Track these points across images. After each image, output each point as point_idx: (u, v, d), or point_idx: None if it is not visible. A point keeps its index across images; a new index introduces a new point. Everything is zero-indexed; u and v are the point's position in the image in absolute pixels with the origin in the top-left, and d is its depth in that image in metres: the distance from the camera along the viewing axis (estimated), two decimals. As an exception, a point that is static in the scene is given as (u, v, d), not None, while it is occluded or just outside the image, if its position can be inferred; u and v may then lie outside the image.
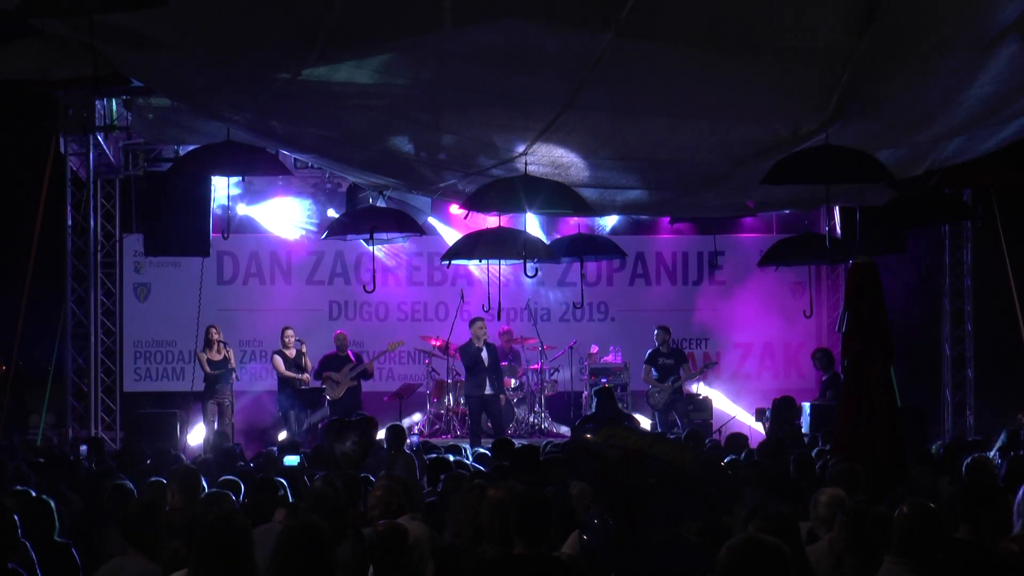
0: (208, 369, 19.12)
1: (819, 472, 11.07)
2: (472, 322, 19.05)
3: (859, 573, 6.71)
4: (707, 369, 20.51)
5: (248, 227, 21.46)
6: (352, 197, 18.81)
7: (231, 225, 16.92)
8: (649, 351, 20.35)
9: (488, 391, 18.74)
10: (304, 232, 21.72)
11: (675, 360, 20.12)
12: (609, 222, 21.09)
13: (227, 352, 19.31)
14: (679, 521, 6.87)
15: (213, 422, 18.95)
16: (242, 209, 20.96)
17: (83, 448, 15.58)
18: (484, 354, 18.87)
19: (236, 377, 19.55)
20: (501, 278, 16.91)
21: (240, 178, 16.75)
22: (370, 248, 17.64)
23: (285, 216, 21.60)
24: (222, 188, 17.50)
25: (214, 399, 19.12)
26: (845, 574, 6.86)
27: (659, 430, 18.72)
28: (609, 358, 20.70)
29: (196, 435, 19.42)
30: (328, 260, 22.01)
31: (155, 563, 7.35)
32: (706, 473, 7.05)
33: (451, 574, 7.42)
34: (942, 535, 6.45)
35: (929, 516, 6.37)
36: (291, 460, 12.66)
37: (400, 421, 18.99)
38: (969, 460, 11.05)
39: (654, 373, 20.02)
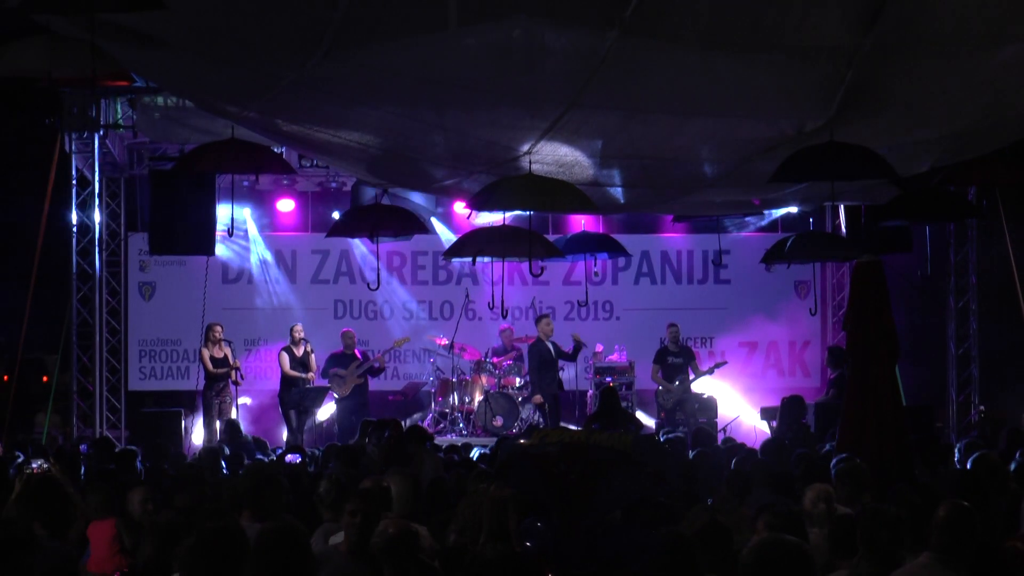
0: (210, 366, 19.13)
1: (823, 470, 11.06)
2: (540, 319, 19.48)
3: (871, 573, 6.74)
4: (716, 368, 20.44)
5: (252, 225, 21.48)
6: (357, 196, 18.82)
7: (235, 223, 16.97)
8: (658, 349, 20.34)
9: (557, 389, 18.95)
10: (309, 231, 21.76)
11: (684, 359, 20.11)
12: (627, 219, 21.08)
13: (227, 350, 19.32)
14: (627, 500, 7.00)
15: (214, 419, 18.95)
16: (247, 207, 20.99)
17: (83, 447, 15.58)
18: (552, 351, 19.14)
19: (241, 376, 19.54)
20: (505, 276, 16.91)
21: (255, 177, 16.73)
22: (375, 246, 17.63)
23: (289, 215, 21.64)
24: (227, 186, 17.49)
25: (215, 396, 19.11)
26: (857, 573, 6.89)
27: (665, 428, 18.71)
28: (614, 357, 20.69)
29: (200, 433, 19.43)
30: (333, 259, 22.00)
31: None
32: (647, 451, 7.21)
33: (456, 573, 7.43)
34: (977, 533, 6.51)
35: (968, 515, 6.44)
36: (292, 458, 12.67)
37: (405, 420, 19.04)
38: (973, 457, 11.05)
39: (660, 373, 20.01)
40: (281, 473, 9.95)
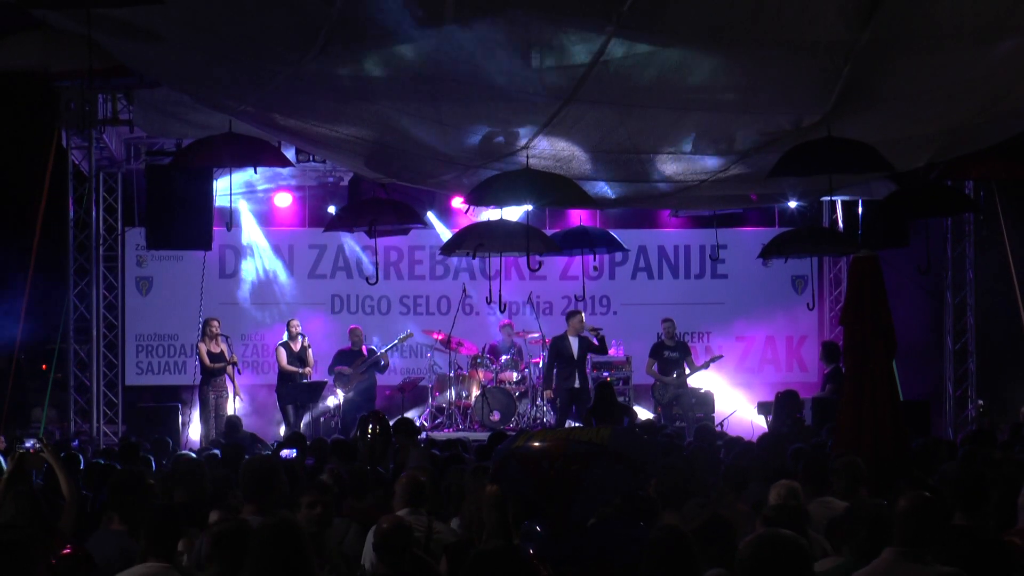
0: (208, 361, 19.13)
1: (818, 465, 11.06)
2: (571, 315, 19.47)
3: (853, 568, 6.74)
4: (712, 363, 20.41)
5: (250, 220, 21.47)
6: (354, 190, 18.81)
7: (233, 218, 16.97)
8: (653, 343, 20.31)
9: (577, 384, 18.80)
10: (306, 226, 21.75)
11: (680, 353, 20.08)
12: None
13: (224, 346, 19.31)
14: (610, 492, 7.01)
15: (211, 414, 18.95)
16: (244, 202, 20.99)
17: (75, 443, 15.57)
18: (575, 346, 19.09)
19: (239, 371, 19.55)
20: (503, 271, 16.91)
21: (253, 170, 16.71)
22: (372, 241, 17.62)
23: (287, 209, 21.64)
24: (224, 181, 17.50)
25: (212, 391, 19.10)
26: (842, 569, 6.89)
27: (662, 422, 18.71)
28: (611, 351, 20.68)
29: (196, 428, 19.44)
30: (330, 253, 21.99)
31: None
32: (625, 443, 7.23)
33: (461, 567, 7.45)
34: (942, 524, 6.46)
35: (929, 505, 6.37)
36: (288, 453, 12.64)
37: (403, 415, 19.05)
38: (965, 450, 11.08)
39: (656, 367, 19.99)
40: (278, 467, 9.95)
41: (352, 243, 21.50)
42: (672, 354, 20.00)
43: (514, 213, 17.46)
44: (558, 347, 19.16)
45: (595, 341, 19.26)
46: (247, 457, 10.01)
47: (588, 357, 19.45)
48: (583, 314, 19.63)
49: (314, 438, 14.86)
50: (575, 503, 6.96)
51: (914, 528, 6.27)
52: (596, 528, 7.10)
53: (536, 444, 7.35)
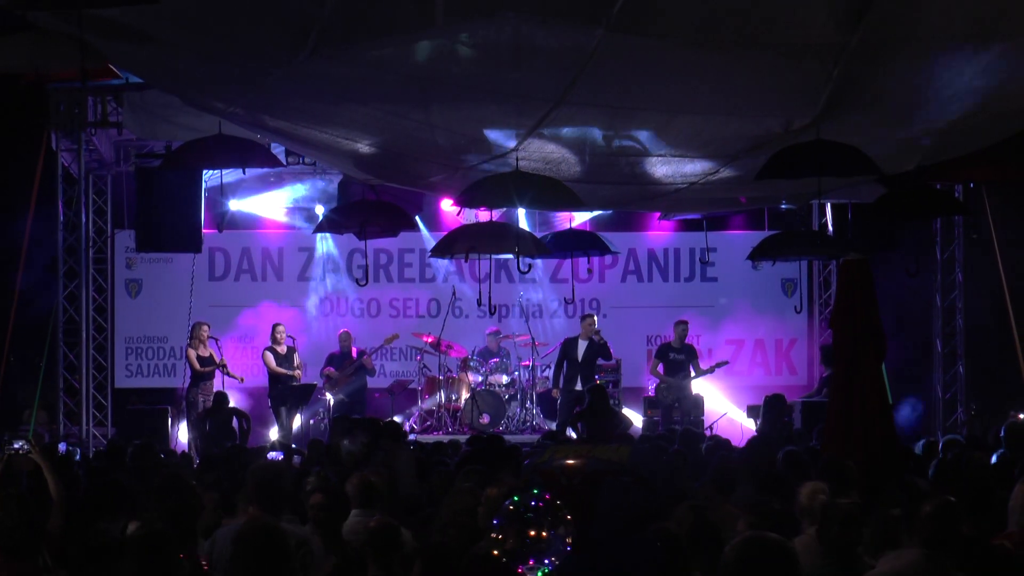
0: (197, 365, 19.08)
1: (809, 468, 11.06)
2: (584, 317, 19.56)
3: (836, 570, 6.75)
4: (718, 367, 20.32)
5: (239, 223, 21.43)
6: (344, 192, 18.79)
7: (224, 221, 16.96)
8: (660, 345, 20.30)
9: (579, 387, 18.78)
10: (295, 228, 21.73)
11: (686, 356, 19.96)
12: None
13: (212, 349, 19.27)
14: (626, 509, 7.04)
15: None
16: (234, 204, 20.95)
17: (62, 445, 15.54)
18: (582, 349, 19.13)
19: (228, 374, 19.51)
20: (492, 274, 16.89)
21: (243, 171, 16.68)
22: (362, 243, 17.61)
23: (276, 212, 21.61)
24: (214, 183, 17.48)
25: (201, 394, 19.06)
26: (824, 571, 6.90)
27: (660, 427, 18.67)
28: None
29: (185, 431, 19.40)
30: (320, 256, 21.99)
31: None
32: (644, 463, 7.25)
33: (438, 571, 7.44)
34: (960, 529, 6.50)
35: (952, 509, 6.41)
36: (275, 456, 12.65)
37: (392, 418, 19.04)
38: (953, 455, 11.09)
39: (661, 368, 19.87)
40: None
41: (332, 248, 21.54)
42: (678, 356, 19.88)
43: (504, 215, 17.44)
44: (568, 349, 19.20)
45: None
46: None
47: (598, 362, 19.47)
48: (595, 317, 19.63)
49: (309, 440, 14.89)
50: (591, 519, 6.97)
51: (941, 531, 6.30)
52: (611, 543, 7.10)
53: (559, 460, 7.39)
